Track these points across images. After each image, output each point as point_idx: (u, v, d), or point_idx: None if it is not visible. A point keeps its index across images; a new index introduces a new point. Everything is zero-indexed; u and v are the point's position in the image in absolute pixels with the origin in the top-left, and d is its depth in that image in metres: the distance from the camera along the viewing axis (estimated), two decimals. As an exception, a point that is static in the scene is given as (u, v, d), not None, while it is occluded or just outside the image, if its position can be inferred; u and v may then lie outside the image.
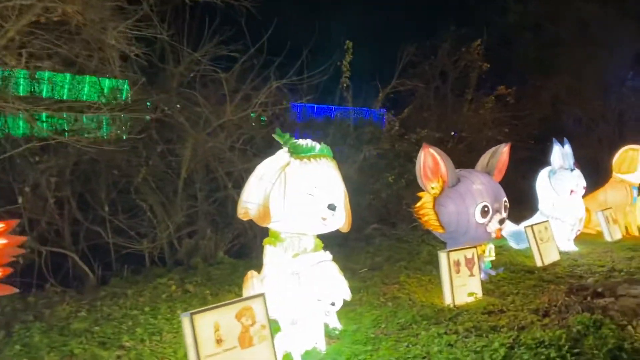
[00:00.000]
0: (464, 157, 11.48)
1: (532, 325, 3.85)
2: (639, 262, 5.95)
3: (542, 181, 6.76)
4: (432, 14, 13.72)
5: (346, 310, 4.24)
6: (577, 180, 6.56)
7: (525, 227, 6.06)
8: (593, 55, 15.63)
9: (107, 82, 6.27)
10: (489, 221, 4.97)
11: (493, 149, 5.52)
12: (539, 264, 5.85)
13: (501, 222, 5.00)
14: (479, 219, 4.92)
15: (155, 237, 6.55)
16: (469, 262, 4.67)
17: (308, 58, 7.43)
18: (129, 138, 6.65)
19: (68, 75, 5.76)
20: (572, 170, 6.56)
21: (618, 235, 7.47)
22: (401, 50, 9.95)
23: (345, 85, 8.20)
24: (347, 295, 3.36)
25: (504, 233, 6.93)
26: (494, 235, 5.04)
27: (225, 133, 6.41)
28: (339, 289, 3.22)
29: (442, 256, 4.49)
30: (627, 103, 16.33)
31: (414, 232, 7.68)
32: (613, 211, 7.69)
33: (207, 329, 2.75)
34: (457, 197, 4.94)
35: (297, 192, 3.46)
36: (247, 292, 3.55)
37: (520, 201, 7.30)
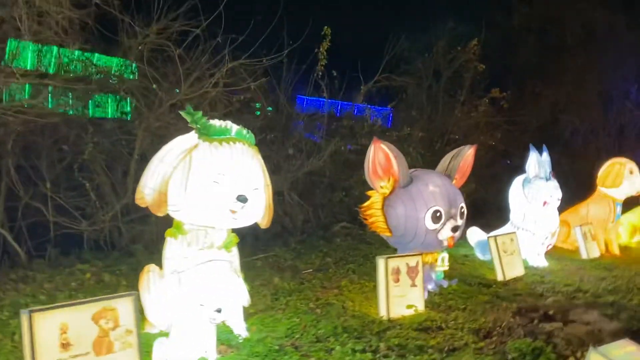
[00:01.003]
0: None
1: (465, 347, 3.43)
2: (609, 283, 5.50)
3: (515, 189, 6.30)
4: (432, 10, 13.17)
5: (263, 316, 3.84)
6: (553, 191, 6.08)
7: (488, 238, 5.61)
8: (597, 64, 15.15)
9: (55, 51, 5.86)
10: (441, 228, 4.53)
11: (456, 150, 5.08)
12: (500, 278, 5.41)
13: (454, 229, 4.54)
14: (429, 224, 4.47)
15: (100, 218, 6.17)
16: (412, 271, 4.24)
17: (286, 41, 7.07)
18: (77, 112, 6.28)
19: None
20: (547, 180, 6.09)
21: (596, 253, 7.01)
22: (389, 43, 9.47)
23: (320, 74, 7.72)
24: (245, 301, 2.93)
25: (471, 242, 6.52)
26: (446, 243, 4.58)
27: (175, 113, 5.97)
28: (232, 293, 2.80)
29: (380, 262, 4.06)
30: (630, 116, 15.84)
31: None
32: (593, 227, 7.24)
33: (51, 330, 2.34)
34: (407, 198, 4.49)
35: (201, 178, 3.04)
36: (141, 289, 3.13)
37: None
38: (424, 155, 10.48)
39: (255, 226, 3.39)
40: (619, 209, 7.45)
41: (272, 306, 4.04)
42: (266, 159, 8.01)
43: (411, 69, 11.41)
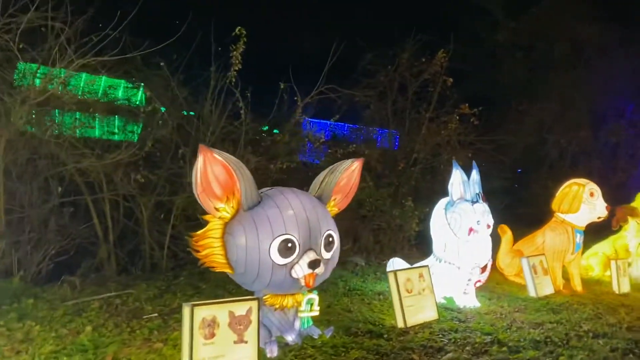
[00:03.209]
0: (419, 181, 10.07)
1: None
2: (544, 331, 4.42)
3: (437, 214, 5.23)
4: (407, 22, 12.14)
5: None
6: (480, 216, 5.00)
7: (388, 273, 4.53)
8: (587, 82, 14.11)
9: None
10: (296, 262, 3.47)
11: (334, 165, 4.01)
12: (400, 324, 4.32)
13: (313, 264, 3.48)
14: (276, 258, 3.42)
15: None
16: (239, 322, 3.18)
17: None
18: None
19: None
20: (474, 202, 5.02)
21: (547, 290, 5.90)
22: (332, 51, 8.50)
23: (232, 81, 6.75)
24: None
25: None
26: (303, 282, 3.51)
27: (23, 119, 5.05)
28: None
29: (185, 312, 3.01)
30: (624, 136, 14.72)
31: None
32: (548, 258, 6.14)
33: None
34: (249, 225, 3.46)
35: None
36: None
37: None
38: (381, 175, 9.50)
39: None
40: (579, 237, 6.34)
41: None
42: (176, 176, 7.08)
43: (373, 83, 10.47)
